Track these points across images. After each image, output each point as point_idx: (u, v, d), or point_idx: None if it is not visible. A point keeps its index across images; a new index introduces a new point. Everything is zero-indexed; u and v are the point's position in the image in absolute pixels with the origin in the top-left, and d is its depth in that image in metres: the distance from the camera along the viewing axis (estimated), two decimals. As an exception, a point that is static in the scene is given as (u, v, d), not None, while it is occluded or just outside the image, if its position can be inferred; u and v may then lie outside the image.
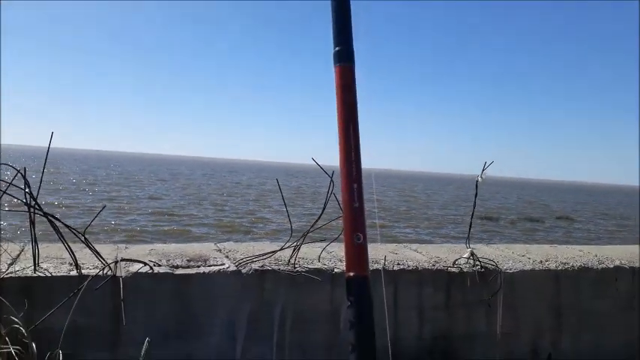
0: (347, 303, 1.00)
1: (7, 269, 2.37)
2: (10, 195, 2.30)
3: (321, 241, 3.20)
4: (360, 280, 1.02)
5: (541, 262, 3.50)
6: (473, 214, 3.28)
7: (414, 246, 3.75)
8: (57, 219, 2.34)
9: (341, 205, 1.50)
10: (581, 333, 3.46)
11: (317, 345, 2.81)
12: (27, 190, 2.27)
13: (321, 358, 2.82)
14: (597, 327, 3.51)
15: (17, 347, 1.87)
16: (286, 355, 2.75)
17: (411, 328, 3.04)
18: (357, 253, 1.03)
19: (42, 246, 2.66)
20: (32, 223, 2.33)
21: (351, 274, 1.04)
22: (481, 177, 3.05)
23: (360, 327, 0.94)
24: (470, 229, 3.36)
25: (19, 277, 2.32)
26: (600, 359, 3.49)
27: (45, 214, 2.31)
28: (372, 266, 3.04)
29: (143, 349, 2.00)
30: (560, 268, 3.44)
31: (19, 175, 2.25)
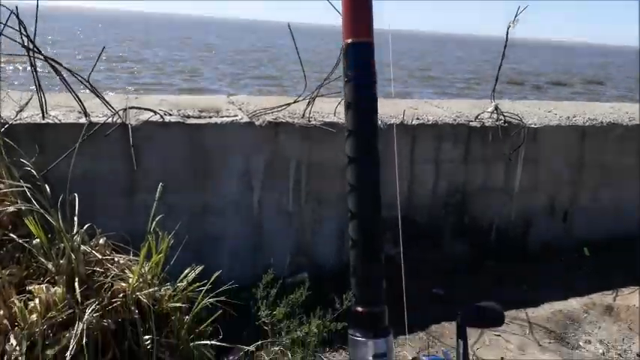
0: (343, 79, 0.76)
1: (16, 116, 2.31)
2: (8, 37, 2.15)
3: (337, 93, 3.06)
4: (360, 47, 0.73)
5: (568, 117, 3.35)
6: (501, 64, 3.06)
7: (436, 102, 3.60)
8: (58, 63, 2.22)
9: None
10: (602, 189, 3.42)
11: (332, 195, 2.81)
12: (23, 32, 2.12)
13: (336, 208, 2.84)
14: (619, 183, 3.45)
15: (29, 186, 1.87)
16: (302, 204, 2.77)
17: (426, 182, 3.01)
18: (356, 11, 0.71)
19: (49, 95, 2.57)
20: (34, 67, 2.21)
21: (349, 40, 0.72)
22: (512, 23, 2.79)
23: (357, 108, 0.74)
24: (496, 81, 3.16)
25: (28, 123, 2.27)
26: (619, 214, 3.49)
27: (45, 58, 2.19)
28: (390, 121, 2.93)
29: (157, 194, 1.99)
30: (587, 124, 3.30)
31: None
